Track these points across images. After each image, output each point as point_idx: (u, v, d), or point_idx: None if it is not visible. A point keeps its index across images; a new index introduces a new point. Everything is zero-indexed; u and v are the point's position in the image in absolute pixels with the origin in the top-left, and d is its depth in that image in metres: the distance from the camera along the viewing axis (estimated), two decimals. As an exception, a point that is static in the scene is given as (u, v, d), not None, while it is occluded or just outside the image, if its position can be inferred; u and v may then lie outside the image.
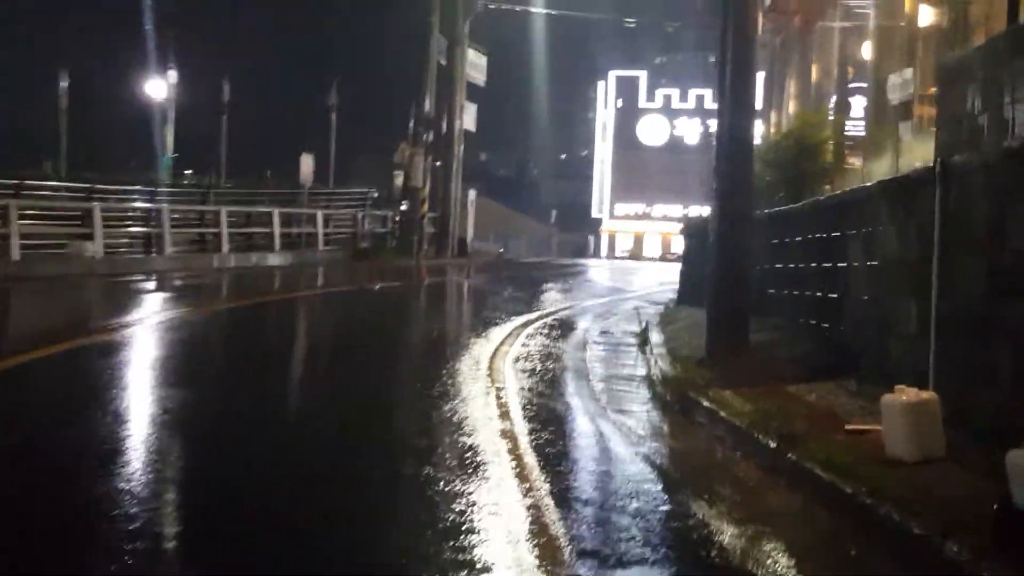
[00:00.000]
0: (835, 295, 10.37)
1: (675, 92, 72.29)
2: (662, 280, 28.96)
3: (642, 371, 11.55)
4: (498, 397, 9.30)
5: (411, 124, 33.74)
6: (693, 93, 71.70)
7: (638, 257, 67.44)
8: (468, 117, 36.58)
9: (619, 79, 73.52)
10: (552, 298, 22.08)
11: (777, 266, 12.27)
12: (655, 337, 13.32)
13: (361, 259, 29.32)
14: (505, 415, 8.48)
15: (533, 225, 70.75)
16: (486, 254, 39.81)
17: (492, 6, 36.15)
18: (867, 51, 13.89)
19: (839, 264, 10.18)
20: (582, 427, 8.51)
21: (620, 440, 7.93)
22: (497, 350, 12.43)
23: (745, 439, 7.66)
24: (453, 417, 8.26)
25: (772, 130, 18.40)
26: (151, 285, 20.18)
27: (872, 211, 9.07)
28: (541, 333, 14.83)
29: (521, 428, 7.98)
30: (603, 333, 15.13)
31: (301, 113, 42.57)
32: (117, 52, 47.88)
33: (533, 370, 11.23)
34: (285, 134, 40.19)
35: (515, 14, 40.05)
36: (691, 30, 71.86)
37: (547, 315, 17.44)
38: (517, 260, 40.93)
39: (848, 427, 7.70)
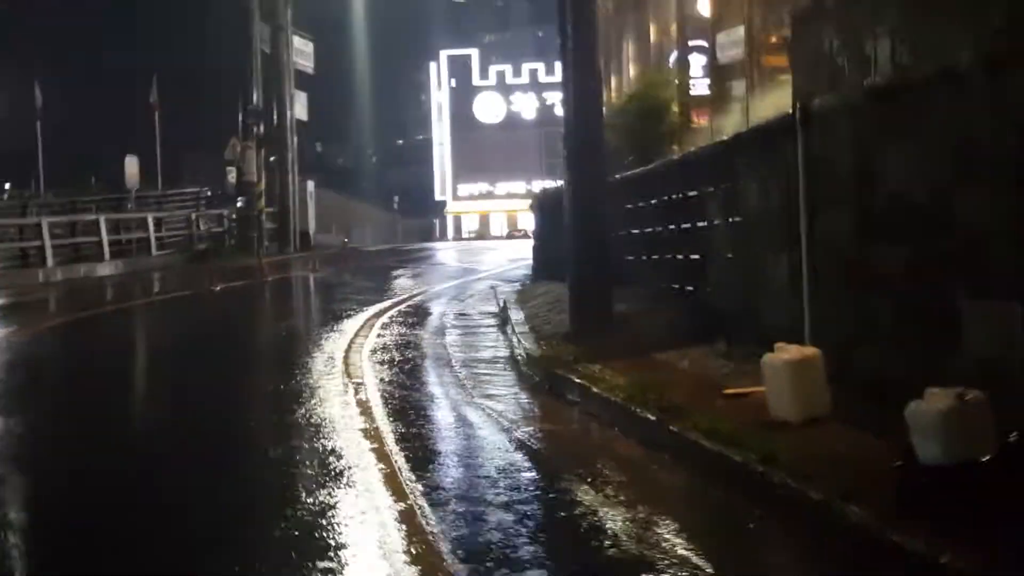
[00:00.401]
0: (697, 256, 10.14)
1: (508, 68, 72.27)
2: (512, 257, 28.69)
3: (505, 352, 11.14)
4: (356, 393, 8.74)
5: (240, 117, 32.46)
6: (527, 68, 71.86)
7: (485, 237, 67.26)
8: (300, 106, 35.43)
9: (451, 58, 73.11)
10: (403, 284, 21.48)
11: (634, 232, 11.98)
12: (515, 315, 12.92)
13: (199, 261, 28.09)
14: (367, 412, 7.93)
15: (376, 213, 69.70)
16: (330, 246, 38.76)
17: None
18: (705, 8, 13.69)
19: (699, 224, 9.95)
20: (450, 418, 8.02)
21: (492, 428, 7.48)
22: (351, 343, 11.82)
23: (622, 414, 7.30)
24: (311, 420, 7.65)
25: (614, 95, 18.09)
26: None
27: (730, 165, 8.85)
28: (396, 322, 14.25)
29: (385, 425, 7.44)
30: (460, 316, 14.64)
31: (123, 113, 40.49)
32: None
33: (391, 361, 10.68)
34: (108, 137, 38.21)
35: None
36: (522, 4, 72.31)
37: (400, 302, 16.86)
38: (363, 249, 40.06)
39: (727, 391, 7.43)
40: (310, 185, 36.79)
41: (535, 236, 19.18)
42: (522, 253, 32.86)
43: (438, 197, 75.59)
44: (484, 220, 73.79)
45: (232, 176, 32.72)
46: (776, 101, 9.42)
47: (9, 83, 38.15)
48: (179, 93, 40.06)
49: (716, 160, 9.43)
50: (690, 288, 10.34)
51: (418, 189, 76.59)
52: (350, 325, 13.57)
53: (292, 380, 9.44)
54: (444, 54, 73.49)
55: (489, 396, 8.72)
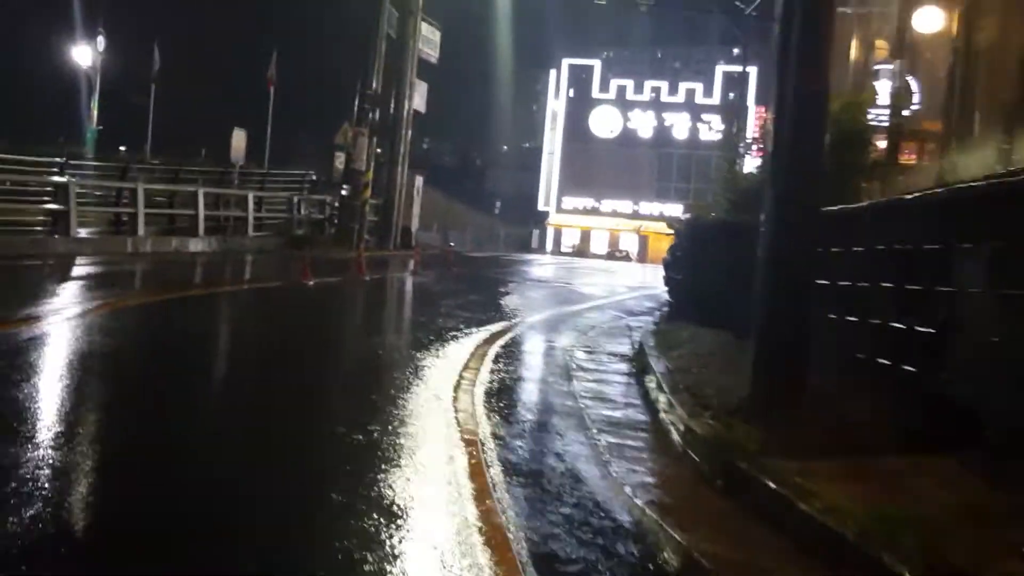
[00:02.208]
0: (931, 329, 7.78)
1: (630, 83, 70.00)
2: (630, 284, 26.62)
3: (649, 415, 9.03)
4: (470, 458, 6.71)
5: (356, 102, 30.78)
6: (648, 85, 69.56)
7: (585, 253, 65.16)
8: (419, 97, 33.62)
9: (572, 67, 71.14)
10: (514, 304, 19.42)
11: (822, 282, 9.63)
12: (657, 366, 10.75)
13: (295, 248, 26.37)
14: (483, 493, 5.90)
15: (477, 216, 68.02)
16: (431, 246, 36.93)
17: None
18: (928, 21, 11.30)
19: (939, 288, 7.63)
20: (599, 519, 5.89)
21: (662, 543, 5.44)
22: (460, 378, 9.79)
23: (860, 560, 5.09)
24: (408, 502, 5.61)
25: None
26: (44, 272, 17.18)
27: (1013, 215, 6.57)
28: (511, 353, 12.21)
29: (512, 519, 5.44)
30: (587, 354, 12.49)
31: (239, 86, 39.11)
32: (42, 14, 44.29)
33: (511, 411, 8.64)
34: (222, 109, 36.78)
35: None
36: (643, 21, 69.98)
37: (513, 326, 14.80)
38: (465, 254, 38.16)
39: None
40: (419, 180, 34.95)
41: (675, 267, 16.96)
42: (642, 280, 30.84)
43: (541, 207, 73.55)
44: (585, 236, 71.56)
45: (340, 162, 31.04)
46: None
47: (127, 44, 37.04)
48: (297, 72, 38.63)
49: (990, 204, 7.09)
50: (910, 368, 8.00)
51: (521, 196, 74.67)
52: (457, 351, 11.55)
53: (387, 429, 7.37)
54: (566, 62, 71.46)
55: (645, 487, 6.63)
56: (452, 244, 37.80)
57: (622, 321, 16.75)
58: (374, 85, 30.85)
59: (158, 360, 10.00)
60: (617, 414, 9.02)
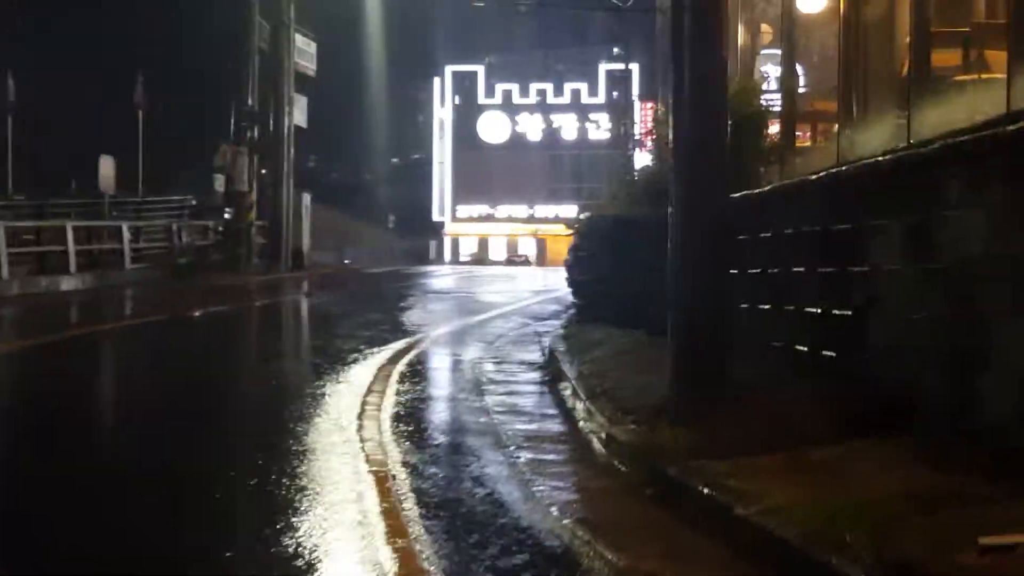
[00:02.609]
0: (846, 312, 7.20)
1: (515, 87, 69.54)
2: (534, 288, 25.94)
3: (567, 425, 8.25)
4: (381, 495, 5.84)
5: (232, 120, 29.49)
6: (534, 88, 69.21)
7: (483, 261, 64.46)
8: (299, 111, 32.36)
9: (456, 74, 70.34)
10: (416, 318, 18.47)
11: (740, 271, 8.98)
12: (570, 372, 9.98)
13: (179, 278, 25.04)
14: (397, 532, 5.10)
15: (372, 232, 66.74)
16: (325, 266, 35.64)
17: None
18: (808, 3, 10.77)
19: (853, 268, 7.06)
20: (529, 543, 5.08)
21: (601, 567, 4.68)
22: (364, 403, 8.87)
23: (811, 564, 4.35)
24: (313, 553, 4.74)
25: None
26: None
27: (928, 188, 6.02)
28: (418, 371, 11.32)
29: (432, 558, 4.72)
30: (496, 366, 11.63)
31: (106, 113, 37.18)
32: None
33: (422, 436, 7.74)
34: (88, 137, 34.85)
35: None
36: (528, 25, 69.65)
37: (417, 343, 13.86)
38: (361, 271, 37.02)
39: (984, 541, 4.50)
40: (306, 198, 33.65)
41: (578, 268, 16.21)
42: (544, 283, 30.18)
43: (436, 218, 72.62)
44: (483, 243, 70.88)
45: (220, 184, 29.66)
46: (948, 115, 6.67)
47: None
48: (167, 93, 36.95)
49: (896, 180, 6.54)
50: (830, 353, 7.39)
51: (414, 209, 73.59)
52: (360, 374, 10.60)
53: (285, 466, 6.46)
54: (449, 69, 70.69)
55: (571, 505, 5.89)
56: (348, 262, 36.62)
57: (529, 327, 15.96)
58: (250, 102, 29.59)
59: (13, 416, 8.85)
60: (534, 427, 8.20)
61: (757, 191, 8.80)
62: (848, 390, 6.89)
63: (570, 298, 20.47)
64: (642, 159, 56.72)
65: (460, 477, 6.45)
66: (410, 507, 5.62)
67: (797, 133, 11.31)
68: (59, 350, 12.88)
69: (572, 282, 18.42)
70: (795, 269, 8.22)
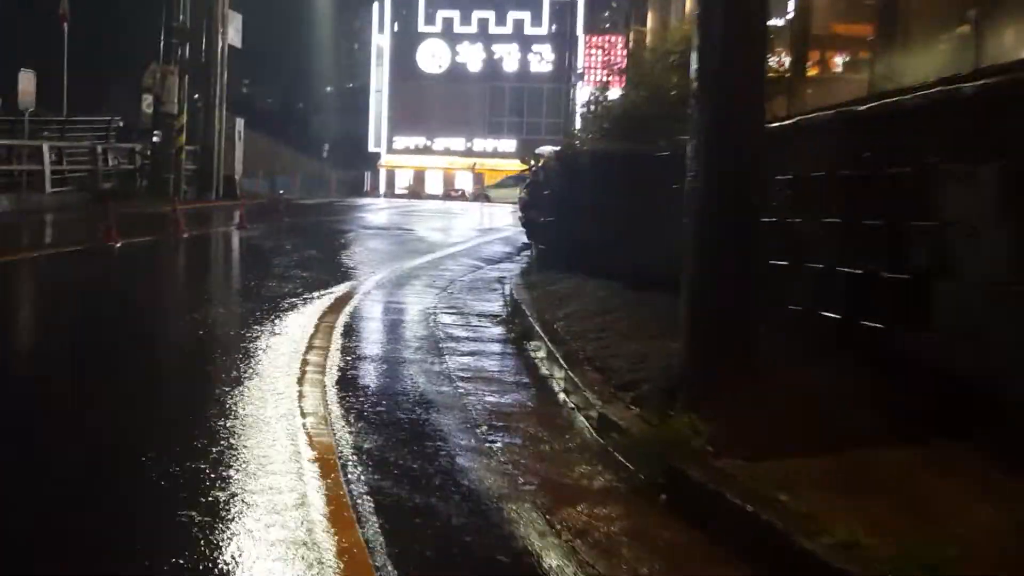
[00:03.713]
0: (906, 276, 6.10)
1: (456, 15, 67.38)
2: (481, 227, 24.78)
3: (547, 399, 7.20)
4: (329, 497, 4.76)
5: (163, 38, 27.62)
6: (476, 16, 67.12)
7: (419, 195, 62.89)
8: (233, 30, 30.46)
9: (395, 0, 67.97)
10: (357, 257, 17.23)
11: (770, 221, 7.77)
12: (544, 331, 8.89)
13: (102, 203, 23.35)
14: (354, 557, 4.05)
15: (305, 161, 64.60)
16: (257, 195, 34.01)
17: None
18: None
19: (917, 223, 5.95)
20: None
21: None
22: (305, 363, 7.75)
23: None
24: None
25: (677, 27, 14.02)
26: None
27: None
28: (365, 323, 10.19)
29: None
30: (456, 318, 10.52)
31: (29, 25, 34.78)
32: None
33: (376, 410, 6.61)
34: (8, 52, 32.52)
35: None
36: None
37: (361, 286, 12.70)
38: (295, 202, 35.45)
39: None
40: (239, 124, 31.92)
41: (538, 207, 15.06)
42: (488, 222, 29.05)
43: (372, 149, 70.63)
44: (419, 176, 69.15)
45: (149, 105, 27.85)
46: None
47: None
48: (97, 6, 34.69)
49: (988, 113, 5.39)
50: (875, 324, 6.32)
51: (349, 139, 71.48)
52: (298, 325, 9.44)
53: (209, 450, 5.32)
54: (389, -6, 68.36)
55: (568, 515, 4.80)
56: (281, 192, 35.03)
57: (483, 272, 14.88)
58: (181, 17, 27.73)
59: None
60: (507, 400, 7.12)
61: (776, 124, 7.55)
62: (901, 374, 5.84)
63: (521, 239, 19.42)
64: (583, 94, 55.41)
65: (427, 473, 5.34)
66: (367, 514, 4.56)
67: (810, 62, 10.21)
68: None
69: (528, 222, 17.30)
70: (825, 220, 7.09)
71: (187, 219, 19.95)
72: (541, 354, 8.41)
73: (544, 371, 7.96)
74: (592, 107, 15.86)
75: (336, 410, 6.44)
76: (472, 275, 14.48)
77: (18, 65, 26.18)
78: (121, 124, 30.54)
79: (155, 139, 27.84)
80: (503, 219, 30.17)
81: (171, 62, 27.60)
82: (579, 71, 63.02)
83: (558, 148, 16.97)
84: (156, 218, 20.91)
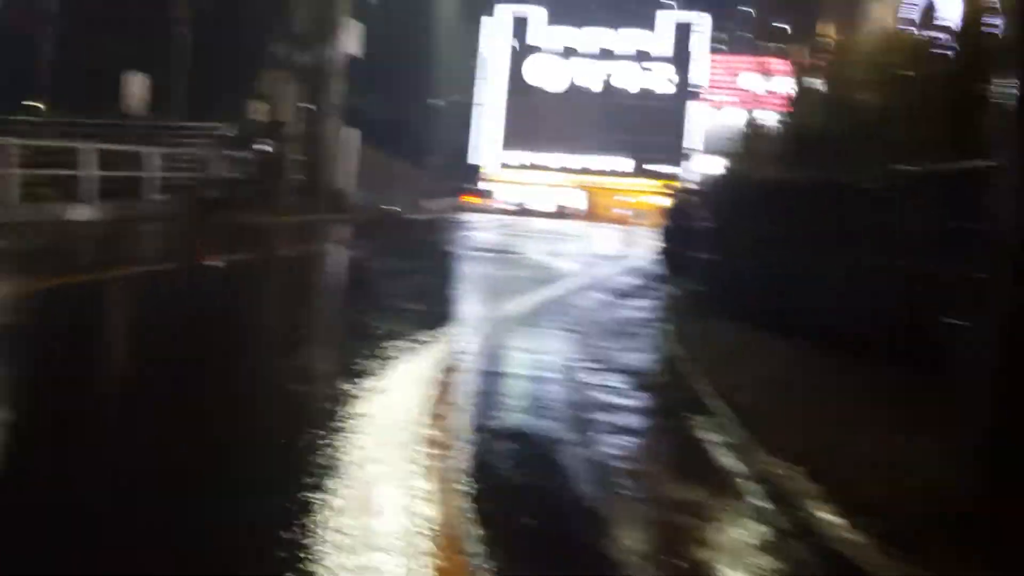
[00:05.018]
0: None
1: (573, 32, 65.83)
2: (601, 252, 22.96)
3: (762, 522, 5.31)
4: None
5: (278, 45, 26.46)
6: (593, 33, 65.52)
7: (529, 212, 61.38)
8: (353, 39, 29.22)
9: (515, 17, 66.71)
10: (474, 286, 15.58)
11: None
12: (716, 404, 7.05)
13: (206, 212, 22.25)
14: None
15: (413, 174, 63.61)
16: (365, 209, 32.57)
17: None
18: None
19: None
20: None
21: None
22: (424, 441, 6.02)
23: None
24: None
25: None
26: None
27: None
28: (492, 379, 8.43)
29: None
30: (596, 375, 8.68)
31: (143, 28, 33.99)
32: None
33: (519, 533, 4.80)
34: (122, 55, 31.72)
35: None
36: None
37: (481, 325, 11.00)
38: (403, 217, 34.09)
39: None
40: (354, 135, 30.56)
41: (686, 240, 13.22)
42: (612, 246, 27.31)
43: (482, 163, 69.42)
44: (528, 192, 67.63)
45: (260, 113, 26.68)
46: None
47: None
48: (213, 10, 33.74)
49: None
50: None
51: (459, 153, 70.41)
52: (411, 380, 7.73)
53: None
54: (504, 9, 67.08)
55: None
56: (392, 207, 33.66)
57: (618, 311, 13.06)
58: (300, 24, 26.54)
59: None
60: (695, 523, 5.23)
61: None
62: None
63: (652, 269, 17.69)
64: (697, 109, 53.05)
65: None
66: None
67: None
68: (26, 308, 10.07)
69: (670, 254, 15.50)
70: None
71: (291, 233, 18.61)
72: (720, 437, 6.57)
73: (729, 465, 6.10)
74: (750, 128, 14.04)
75: (464, 523, 4.69)
76: (607, 314, 12.67)
77: (130, 68, 25.31)
78: (231, 132, 29.47)
79: (264, 147, 26.67)
80: (625, 243, 28.45)
81: (285, 69, 26.41)
82: (699, 90, 60.98)
83: (714, 173, 15.18)
84: (258, 231, 19.59)
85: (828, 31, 18.30)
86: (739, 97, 57.63)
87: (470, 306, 13.21)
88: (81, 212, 19.95)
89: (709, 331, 9.83)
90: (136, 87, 23.75)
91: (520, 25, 66.80)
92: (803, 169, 9.85)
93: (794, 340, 8.54)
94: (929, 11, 16.07)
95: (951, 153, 8.14)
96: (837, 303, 8.19)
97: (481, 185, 67.47)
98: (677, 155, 61.96)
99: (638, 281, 16.74)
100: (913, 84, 9.59)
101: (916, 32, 14.14)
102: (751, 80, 55.21)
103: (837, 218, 8.68)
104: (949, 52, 9.56)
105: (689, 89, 62.55)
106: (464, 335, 10.15)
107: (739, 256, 10.52)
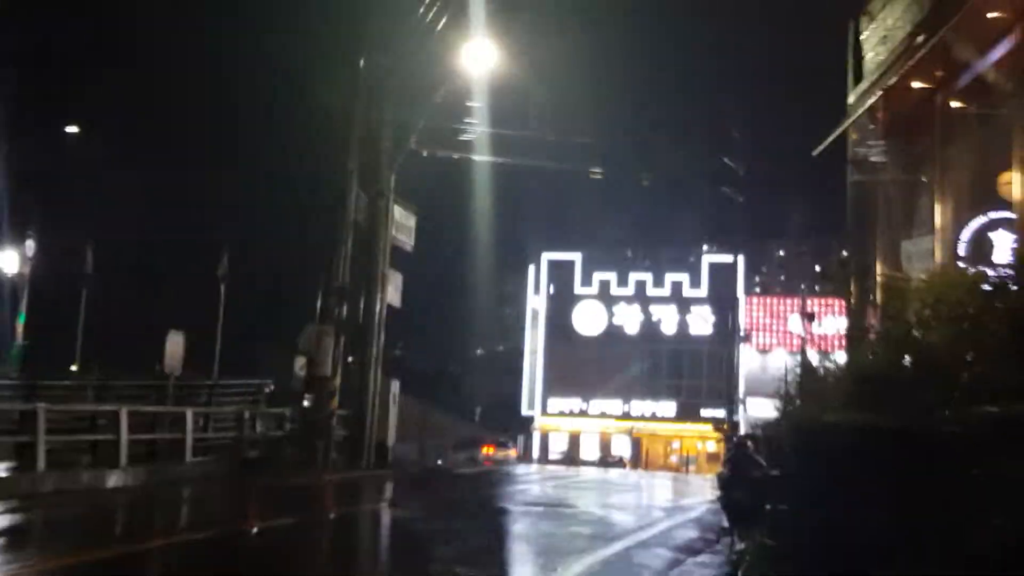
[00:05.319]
0: None
1: (613, 276, 66.61)
2: (657, 503, 21.88)
3: None
4: None
5: (320, 299, 26.41)
6: (632, 277, 66.26)
7: (575, 461, 60.20)
8: (393, 289, 29.16)
9: (552, 263, 67.72)
10: (530, 545, 14.52)
11: None
12: None
13: (246, 475, 21.51)
14: None
15: (457, 425, 62.94)
16: (410, 463, 31.73)
17: (425, 153, 29.43)
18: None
19: None
20: None
21: None
22: None
23: None
24: None
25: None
26: None
27: None
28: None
29: None
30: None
31: (183, 287, 34.55)
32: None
33: None
34: (163, 312, 32.11)
35: (438, 179, 33.65)
36: (626, 211, 67.28)
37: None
38: (448, 470, 33.18)
39: None
40: (395, 386, 30.07)
41: (754, 492, 12.29)
42: (664, 495, 26.21)
43: (525, 412, 68.77)
44: (574, 440, 66.58)
45: (301, 368, 26.28)
46: None
47: (60, 247, 32.98)
48: (252, 268, 34.31)
49: None
50: None
51: (502, 401, 69.96)
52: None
53: None
54: (545, 256, 68.15)
55: None
56: (436, 461, 32.81)
57: (684, 566, 12.02)
58: (340, 277, 26.58)
59: None
60: None
61: None
62: None
63: (712, 519, 16.62)
64: (746, 355, 52.66)
65: None
66: None
67: None
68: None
69: (733, 505, 14.49)
70: None
71: (335, 493, 17.75)
72: None
73: None
74: (805, 370, 13.39)
75: None
76: (675, 573, 11.61)
77: (170, 326, 25.26)
78: (272, 388, 29.12)
79: (305, 403, 26.15)
80: (676, 491, 27.31)
81: (327, 322, 26.26)
82: (743, 332, 60.80)
83: (767, 417, 14.49)
84: (303, 492, 18.76)
85: (883, 270, 17.96)
86: (782, 339, 57.39)
87: (526, 568, 12.21)
88: (116, 478, 19.25)
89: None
90: (176, 346, 23.55)
91: (562, 272, 67.62)
92: (869, 411, 9.10)
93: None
94: (981, 245, 15.72)
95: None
96: (923, 561, 7.30)
97: (535, 433, 66.66)
98: (724, 399, 61.19)
99: (700, 534, 15.65)
100: (978, 320, 8.98)
101: (970, 268, 13.72)
102: (794, 322, 55.06)
103: (919, 467, 7.85)
104: (1010, 284, 9.00)
105: (734, 331, 62.44)
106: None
107: (814, 508, 9.58)
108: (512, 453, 53.91)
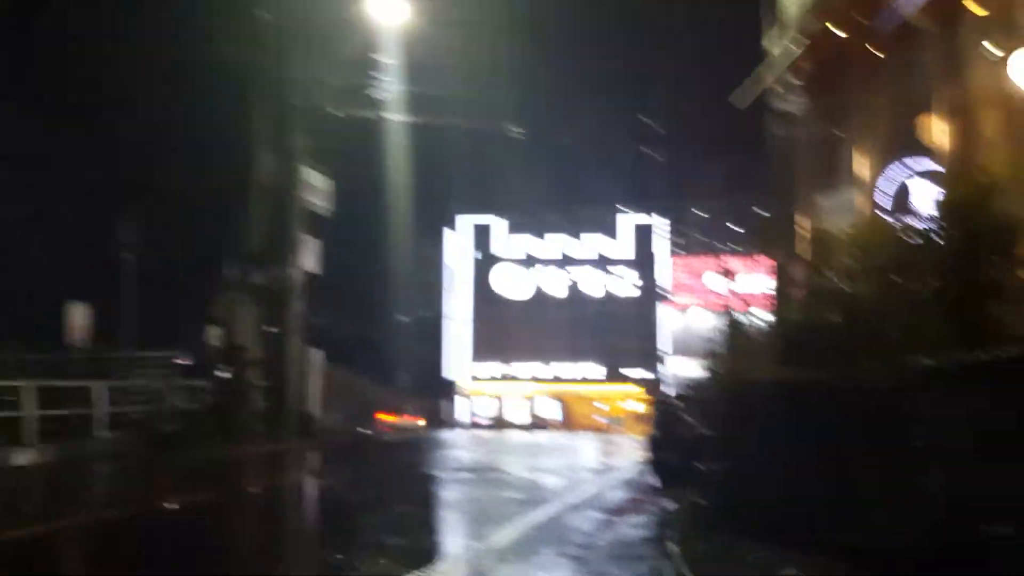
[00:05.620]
0: None
1: (534, 240, 66.20)
2: (585, 465, 21.69)
3: None
4: None
5: (233, 266, 25.60)
6: (554, 240, 65.86)
7: (503, 425, 60.05)
8: (310, 255, 28.42)
9: (475, 227, 67.12)
10: (459, 513, 14.14)
11: None
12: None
13: (161, 449, 20.76)
14: None
15: (380, 392, 62.26)
16: (335, 432, 31.06)
17: (342, 115, 28.52)
18: None
19: None
20: None
21: None
22: None
23: None
24: None
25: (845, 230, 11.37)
26: None
27: None
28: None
29: None
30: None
31: (86, 254, 32.94)
32: None
33: None
34: (65, 283, 30.61)
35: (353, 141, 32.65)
36: (545, 177, 66.82)
37: (477, 559, 9.61)
38: (375, 438, 32.67)
39: None
40: (317, 355, 29.40)
41: (687, 448, 12.03)
42: (592, 458, 26.06)
43: (450, 376, 68.35)
44: (501, 404, 66.40)
45: (217, 338, 25.51)
46: None
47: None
48: (161, 235, 33.03)
49: None
50: None
51: (427, 367, 69.35)
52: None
53: None
54: (465, 220, 67.49)
55: None
56: (370, 433, 32.29)
57: (620, 530, 11.69)
58: (253, 243, 25.77)
59: None
60: None
61: None
62: None
63: (643, 480, 16.44)
64: (670, 315, 53.05)
65: None
66: None
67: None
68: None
69: (662, 465, 14.30)
70: None
71: (257, 467, 17.16)
72: None
73: None
74: (731, 328, 13.17)
75: None
76: (606, 536, 11.28)
77: (74, 296, 24.27)
78: (187, 361, 28.19)
79: (223, 375, 25.40)
80: (604, 453, 27.22)
81: (242, 291, 25.48)
82: (665, 293, 61.09)
83: (695, 376, 14.28)
84: (221, 466, 18.12)
85: (804, 224, 17.81)
86: (704, 298, 57.63)
87: (457, 536, 11.84)
88: (24, 456, 18.42)
89: (720, 551, 8.55)
90: (79, 317, 22.58)
91: (481, 235, 67.11)
92: (797, 368, 8.89)
93: (818, 560, 7.34)
94: (903, 197, 15.59)
95: (954, 344, 7.32)
96: (862, 514, 7.13)
97: (461, 398, 66.22)
98: (649, 359, 61.48)
99: (631, 495, 15.41)
100: (907, 272, 8.77)
101: (891, 218, 13.56)
102: (715, 281, 55.30)
103: (853, 420, 7.64)
104: (934, 237, 8.79)
105: (656, 291, 62.67)
106: (454, 572, 8.76)
107: (746, 467, 9.33)
108: (420, 420, 50.76)
